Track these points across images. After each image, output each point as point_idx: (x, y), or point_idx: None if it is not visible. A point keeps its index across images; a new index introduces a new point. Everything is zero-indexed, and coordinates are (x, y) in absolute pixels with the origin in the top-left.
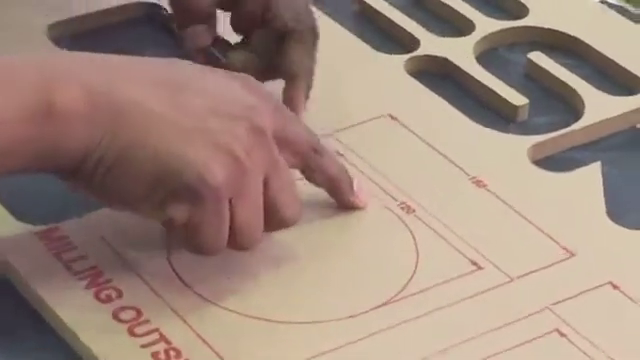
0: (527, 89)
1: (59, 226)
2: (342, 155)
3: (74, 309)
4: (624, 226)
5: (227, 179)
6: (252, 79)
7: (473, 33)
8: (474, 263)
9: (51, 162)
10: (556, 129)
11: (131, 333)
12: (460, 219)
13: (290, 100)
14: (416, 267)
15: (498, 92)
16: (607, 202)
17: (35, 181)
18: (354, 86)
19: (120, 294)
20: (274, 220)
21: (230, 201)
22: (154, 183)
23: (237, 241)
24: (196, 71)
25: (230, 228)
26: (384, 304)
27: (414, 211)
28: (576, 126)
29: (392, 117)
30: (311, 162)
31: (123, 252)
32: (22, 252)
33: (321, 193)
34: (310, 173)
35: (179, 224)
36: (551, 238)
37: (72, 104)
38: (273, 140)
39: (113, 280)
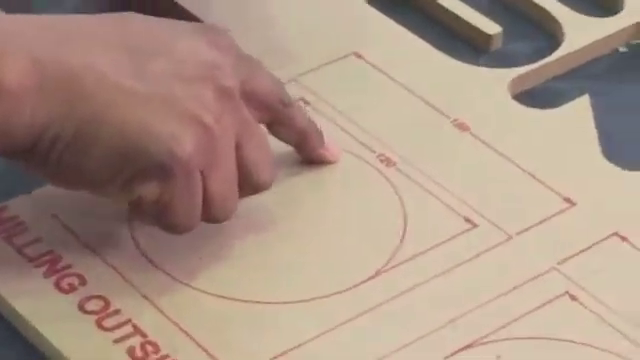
0: (499, 15)
1: (7, 205)
2: (308, 103)
3: (34, 302)
4: (621, 165)
5: (197, 150)
6: (209, 26)
7: None
8: (468, 220)
9: (1, 142)
10: (534, 59)
11: (100, 326)
12: (446, 170)
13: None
14: (405, 229)
15: (469, 20)
16: (599, 139)
17: None
18: (313, 24)
19: (83, 281)
20: (248, 185)
21: (202, 172)
22: (119, 162)
23: (211, 214)
24: (153, 27)
25: (203, 201)
26: (375, 275)
27: (395, 164)
28: (557, 54)
29: (358, 55)
30: (279, 115)
31: (81, 232)
32: None
33: (288, 150)
34: (277, 127)
35: (148, 203)
36: (547, 187)
37: (19, 78)
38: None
39: (73, 265)
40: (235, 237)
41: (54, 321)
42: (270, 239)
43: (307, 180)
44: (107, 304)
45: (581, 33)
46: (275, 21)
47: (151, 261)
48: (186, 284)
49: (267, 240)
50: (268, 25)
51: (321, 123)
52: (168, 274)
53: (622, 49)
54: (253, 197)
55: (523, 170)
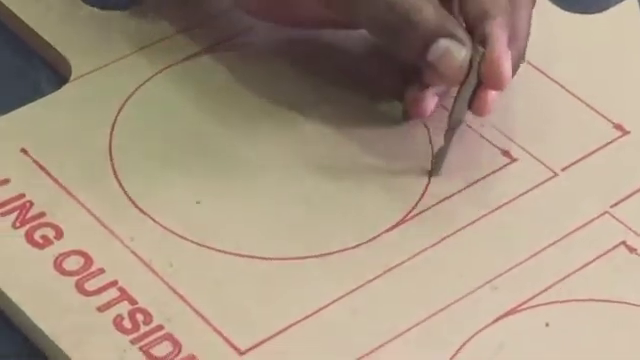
0: None
1: None
2: None
3: (1, 260)
4: None
5: None
6: None
7: None
8: (506, 153)
9: None
10: None
11: (81, 290)
12: None
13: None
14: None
15: None
16: None
17: None
18: None
19: (60, 233)
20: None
21: None
22: None
23: None
24: None
25: None
26: (400, 222)
27: None
28: None
29: None
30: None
31: (56, 171)
32: None
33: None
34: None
35: None
36: (596, 111)
37: None
38: None
39: (48, 213)
40: (238, 179)
41: (26, 285)
42: (281, 183)
43: (315, 110)
44: (89, 261)
45: None
46: None
47: (140, 209)
48: (182, 237)
49: (277, 181)
50: None
51: None
52: (160, 224)
53: None
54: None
55: (565, 89)
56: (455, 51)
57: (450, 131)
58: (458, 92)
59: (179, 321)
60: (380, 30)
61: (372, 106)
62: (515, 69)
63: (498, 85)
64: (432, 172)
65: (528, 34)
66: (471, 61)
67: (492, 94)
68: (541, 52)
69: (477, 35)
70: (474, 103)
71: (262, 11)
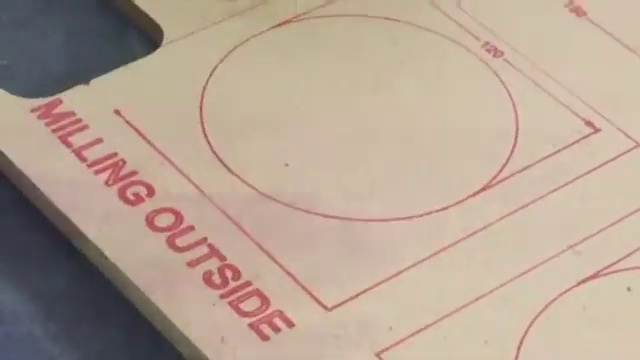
0: None
1: (61, 97)
2: None
3: (94, 215)
4: None
5: None
6: None
7: None
8: (588, 123)
9: None
10: None
11: (172, 245)
12: (561, 63)
13: None
14: (516, 134)
15: None
16: None
17: (26, 43)
18: None
19: (151, 191)
20: None
21: None
22: None
23: None
24: None
25: None
26: (483, 189)
27: (502, 54)
28: None
29: None
30: None
31: (148, 132)
32: (17, 136)
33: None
34: None
35: None
36: None
37: None
38: None
39: (140, 172)
40: (325, 143)
41: (119, 241)
42: (366, 143)
43: (405, 72)
44: (179, 219)
45: None
46: None
47: (229, 169)
48: (270, 197)
49: (361, 145)
50: None
51: (418, 4)
52: (249, 185)
53: None
54: (343, 97)
55: None
56: None
57: None
58: None
59: (267, 278)
60: None
61: (455, 74)
62: None
63: None
64: None
65: None
66: None
67: None
68: (635, 28)
69: None
70: None
71: None
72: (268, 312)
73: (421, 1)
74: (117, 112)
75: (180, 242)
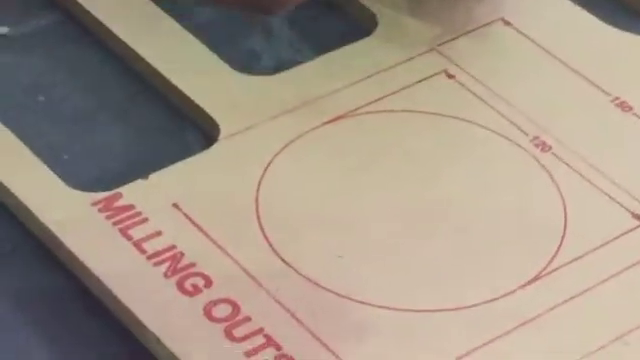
0: None
1: (122, 192)
2: (452, 76)
3: (153, 305)
4: None
5: None
6: None
7: None
8: (636, 216)
9: None
10: None
11: (229, 335)
12: (609, 157)
13: None
14: (565, 227)
15: None
16: None
17: (87, 138)
18: None
19: (209, 282)
20: None
21: None
22: None
23: None
24: None
25: None
26: (533, 280)
27: (550, 148)
28: None
29: (505, 22)
30: None
31: (205, 224)
32: (79, 229)
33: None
34: None
35: None
36: None
37: None
38: None
39: (197, 264)
40: (377, 236)
41: (178, 331)
42: (413, 239)
43: (454, 167)
44: (236, 310)
45: None
46: None
47: (285, 261)
48: (324, 288)
49: (413, 238)
50: None
51: (466, 99)
52: (303, 276)
53: None
54: (394, 191)
55: None
56: None
57: None
58: None
59: None
60: None
61: (504, 168)
62: None
63: None
64: None
65: None
66: None
67: None
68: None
69: None
70: None
71: None
72: None
73: (468, 96)
74: (175, 205)
75: (237, 332)
